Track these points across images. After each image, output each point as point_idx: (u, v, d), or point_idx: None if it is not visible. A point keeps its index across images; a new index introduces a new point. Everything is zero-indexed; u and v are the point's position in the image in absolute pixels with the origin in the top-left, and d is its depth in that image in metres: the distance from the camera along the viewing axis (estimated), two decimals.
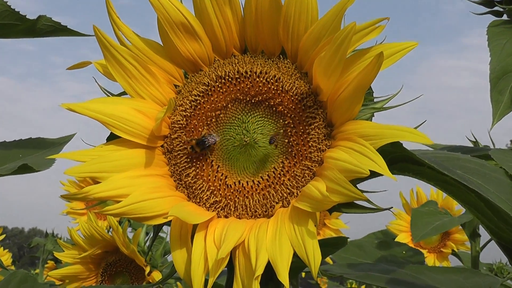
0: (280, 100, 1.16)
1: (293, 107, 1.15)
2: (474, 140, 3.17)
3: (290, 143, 1.15)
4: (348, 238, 1.43)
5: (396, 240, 3.68)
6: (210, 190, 1.18)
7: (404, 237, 3.91)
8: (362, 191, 1.01)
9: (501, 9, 1.95)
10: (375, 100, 1.16)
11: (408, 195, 4.06)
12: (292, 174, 1.14)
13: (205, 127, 1.20)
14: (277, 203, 1.13)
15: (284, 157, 1.16)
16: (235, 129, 1.20)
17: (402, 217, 4.02)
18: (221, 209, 1.16)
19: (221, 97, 1.21)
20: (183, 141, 1.20)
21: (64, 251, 2.65)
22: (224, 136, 1.20)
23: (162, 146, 1.23)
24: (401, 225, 4.00)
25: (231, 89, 1.20)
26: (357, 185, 1.04)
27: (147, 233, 3.16)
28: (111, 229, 2.55)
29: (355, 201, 1.04)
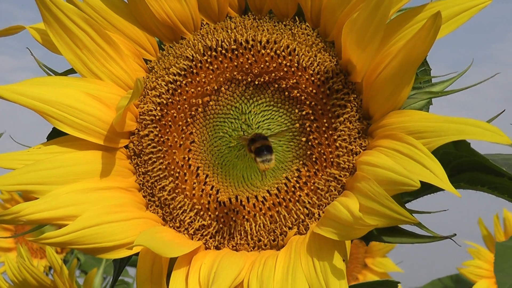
0: (295, 81, 1.20)
1: (314, 91, 1.19)
2: None
3: (310, 143, 1.19)
4: (398, 283, 1.46)
5: None
6: (195, 210, 1.22)
7: (485, 286, 3.91)
8: (411, 212, 1.05)
9: None
10: (433, 81, 1.20)
11: (490, 222, 4.06)
12: (312, 187, 1.17)
13: (188, 119, 1.25)
14: (290, 228, 1.17)
15: (301, 163, 1.20)
16: (231, 123, 1.24)
17: (482, 256, 4.02)
18: (210, 237, 1.20)
19: (211, 77, 1.25)
20: (156, 140, 1.25)
21: None
22: (214, 133, 1.25)
23: (126, 147, 1.27)
24: (480, 267, 4.00)
25: (226, 65, 1.24)
26: (403, 204, 1.08)
27: (104, 278, 3.20)
28: (51, 271, 2.59)
29: (400, 226, 1.07)
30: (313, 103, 1.19)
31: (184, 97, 1.25)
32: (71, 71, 1.27)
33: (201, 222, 1.21)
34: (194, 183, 1.22)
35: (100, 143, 1.20)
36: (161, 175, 1.24)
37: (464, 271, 4.02)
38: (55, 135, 1.22)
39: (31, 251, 3.99)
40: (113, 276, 1.32)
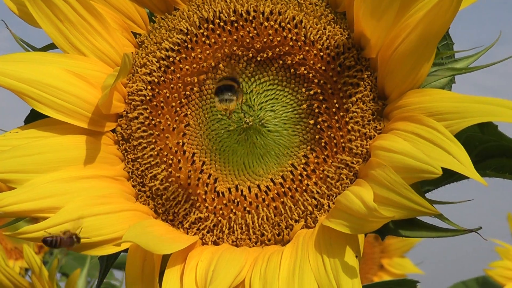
0: (302, 57, 1.21)
1: (323, 68, 1.20)
2: None
3: (318, 126, 1.20)
4: (417, 282, 1.47)
5: None
6: (190, 201, 1.23)
7: None
8: (431, 202, 1.06)
9: None
10: (456, 57, 1.20)
11: None
12: (321, 176, 1.18)
13: (182, 100, 1.26)
14: (296, 221, 1.19)
15: (309, 148, 1.21)
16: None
17: None
18: (208, 231, 1.22)
19: (208, 52, 1.25)
20: (147, 123, 1.25)
21: None
22: (212, 116, 1.26)
23: (113, 131, 1.28)
24: (510, 268, 4.01)
25: (224, 39, 1.25)
26: (423, 193, 1.09)
27: (88, 281, 3.22)
28: (29, 272, 2.60)
29: (419, 218, 1.09)
30: (322, 81, 1.20)
31: (178, 75, 1.26)
32: (51, 47, 1.28)
33: (197, 214, 1.22)
34: (190, 171, 1.23)
35: (84, 126, 1.21)
36: (153, 162, 1.25)
37: (491, 273, 4.02)
38: (34, 118, 1.23)
39: (6, 251, 4.01)
40: (99, 277, 1.32)
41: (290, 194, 1.19)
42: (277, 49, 1.22)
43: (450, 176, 1.11)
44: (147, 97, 1.26)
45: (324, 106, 1.19)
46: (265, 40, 1.23)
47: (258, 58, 1.24)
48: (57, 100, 1.19)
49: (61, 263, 3.94)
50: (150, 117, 1.25)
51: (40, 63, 1.21)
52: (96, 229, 1.12)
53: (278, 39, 1.22)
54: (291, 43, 1.21)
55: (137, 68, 1.27)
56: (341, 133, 1.18)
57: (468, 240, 1.13)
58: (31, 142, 1.19)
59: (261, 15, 1.23)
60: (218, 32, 1.24)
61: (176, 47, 1.26)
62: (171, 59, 1.26)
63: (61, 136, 1.21)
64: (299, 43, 1.21)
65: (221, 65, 1.25)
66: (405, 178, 1.01)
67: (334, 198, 1.17)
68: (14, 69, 1.18)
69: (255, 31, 1.23)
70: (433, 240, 1.13)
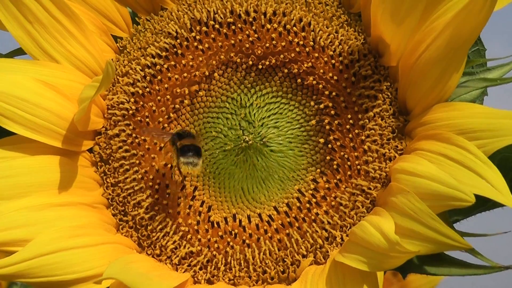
0: (310, 64, 1.22)
1: (335, 78, 1.20)
2: None
3: (330, 146, 1.20)
4: None
5: None
6: (180, 233, 1.23)
7: None
8: (462, 234, 1.06)
9: None
10: (488, 65, 1.21)
11: None
12: (333, 203, 1.19)
13: (170, 114, 1.26)
14: (304, 256, 1.19)
15: (318, 171, 1.21)
16: (226, 120, 1.25)
17: None
18: (200, 268, 1.21)
19: (200, 59, 1.26)
20: (130, 142, 1.26)
21: None
22: (205, 133, 1.26)
23: (90, 150, 1.29)
24: None
25: (220, 44, 1.25)
26: (452, 224, 1.09)
27: None
28: None
29: (447, 253, 1.09)
30: (333, 93, 1.20)
31: (166, 85, 1.26)
32: (19, 52, 1.28)
33: (188, 248, 1.22)
34: (179, 197, 1.24)
35: (57, 145, 1.21)
36: (136, 187, 1.25)
37: None
38: None
39: None
40: None
41: (296, 225, 1.19)
42: (282, 56, 1.23)
43: (482, 204, 1.11)
44: (130, 111, 1.26)
45: (336, 122, 1.20)
46: (267, 45, 1.23)
47: (260, 66, 1.25)
48: (25, 115, 1.18)
49: None
50: (134, 135, 1.26)
51: (5, 71, 1.21)
52: (71, 265, 1.12)
53: (283, 44, 1.23)
54: (297, 49, 1.22)
55: (118, 77, 1.28)
56: (356, 153, 1.19)
57: (503, 277, 1.13)
58: None
59: (262, 16, 1.23)
60: (212, 35, 1.25)
61: (163, 53, 1.26)
62: (158, 67, 1.26)
63: (31, 157, 1.21)
64: (307, 49, 1.22)
65: (216, 74, 1.26)
66: (431, 207, 1.01)
67: (348, 230, 1.17)
68: None
69: (256, 35, 1.24)
70: (463, 277, 1.13)
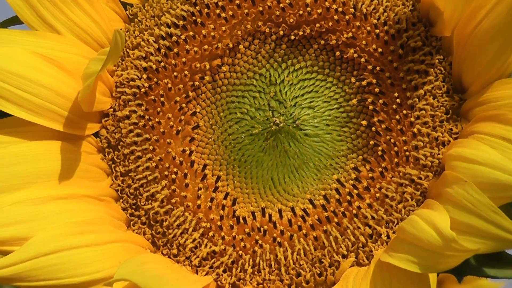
0: (351, 35, 1.21)
1: (380, 50, 1.20)
2: None
3: (374, 129, 1.20)
4: None
5: None
6: (201, 230, 1.22)
7: None
8: None
9: None
10: None
11: None
12: (377, 195, 1.18)
13: (188, 93, 1.26)
14: (344, 256, 1.18)
15: (360, 158, 1.21)
16: (253, 99, 1.25)
17: None
18: (224, 270, 1.21)
19: (223, 29, 1.25)
20: (142, 124, 1.25)
21: None
22: (229, 114, 1.26)
23: (96, 135, 1.28)
24: None
25: (245, 11, 1.25)
26: None
27: None
28: None
29: (508, 252, 1.08)
30: (378, 68, 1.20)
31: (183, 59, 1.26)
32: (14, 21, 1.28)
33: (210, 247, 1.22)
34: (199, 189, 1.24)
35: (58, 129, 1.21)
36: (150, 177, 1.25)
37: None
38: None
39: None
40: None
41: (335, 220, 1.19)
42: (318, 25, 1.22)
43: None
44: (142, 89, 1.26)
45: (380, 101, 1.20)
46: (300, 12, 1.23)
47: (292, 37, 1.24)
48: (21, 93, 1.18)
49: None
50: (146, 116, 1.25)
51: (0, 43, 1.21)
52: (75, 266, 1.12)
53: (319, 11, 1.22)
54: (336, 17, 1.21)
55: (128, 50, 1.28)
56: (404, 137, 1.18)
57: None
58: None
59: None
60: (237, 1, 1.25)
61: (180, 22, 1.26)
62: (174, 38, 1.26)
63: (28, 143, 1.20)
64: (347, 17, 1.21)
65: (241, 47, 1.25)
66: (492, 198, 1.00)
67: (396, 226, 1.17)
68: None
69: (288, 1, 1.23)
70: None
